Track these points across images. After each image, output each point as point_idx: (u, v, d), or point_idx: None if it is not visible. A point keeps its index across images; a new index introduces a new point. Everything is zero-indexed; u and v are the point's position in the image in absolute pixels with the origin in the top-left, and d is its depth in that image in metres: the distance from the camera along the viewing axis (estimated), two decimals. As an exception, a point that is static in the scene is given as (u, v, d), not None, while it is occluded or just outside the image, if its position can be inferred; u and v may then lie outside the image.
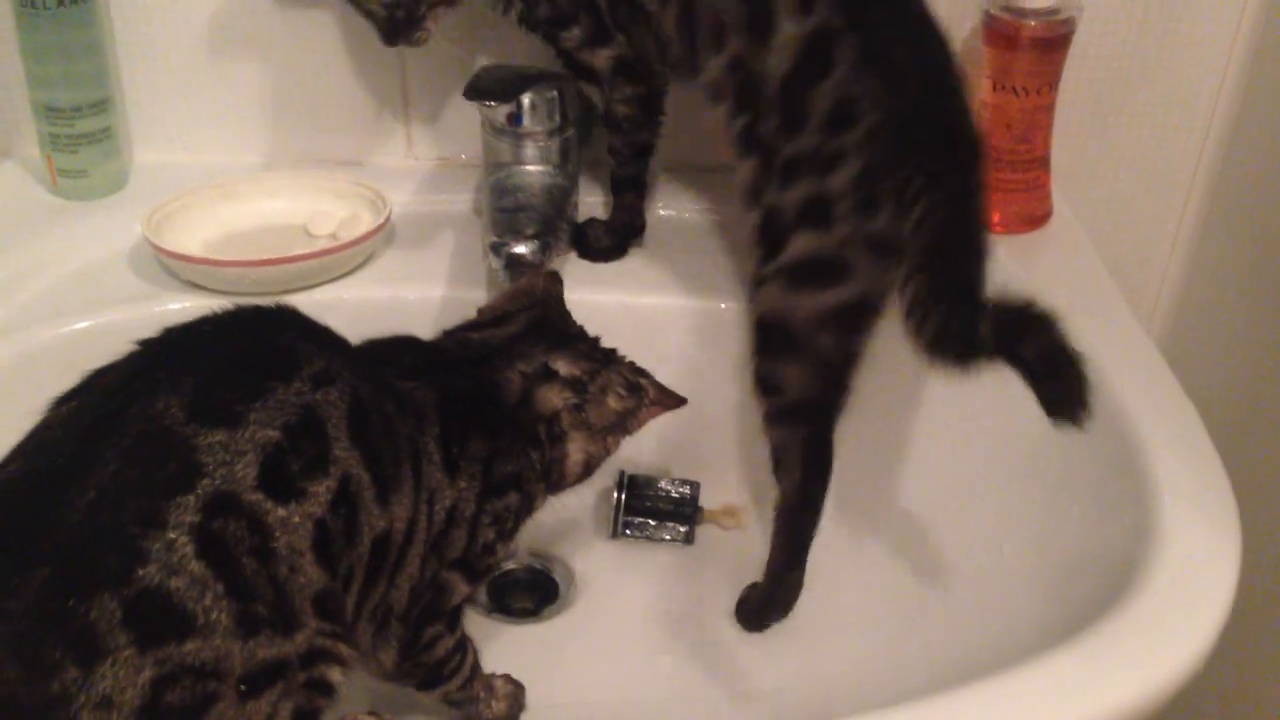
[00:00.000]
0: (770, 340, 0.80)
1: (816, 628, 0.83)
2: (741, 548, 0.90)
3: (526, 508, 0.73)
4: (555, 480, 0.74)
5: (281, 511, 0.55)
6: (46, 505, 0.52)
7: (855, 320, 0.78)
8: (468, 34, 0.99)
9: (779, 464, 0.81)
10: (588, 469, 0.75)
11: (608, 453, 0.76)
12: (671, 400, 0.77)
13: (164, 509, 0.52)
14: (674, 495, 0.92)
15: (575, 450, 0.74)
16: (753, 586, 0.85)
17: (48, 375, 0.83)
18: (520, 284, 0.79)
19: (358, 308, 0.90)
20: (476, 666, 0.73)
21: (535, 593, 0.88)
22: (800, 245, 0.77)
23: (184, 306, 0.89)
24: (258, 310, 0.63)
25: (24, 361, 0.85)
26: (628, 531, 0.91)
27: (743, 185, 0.80)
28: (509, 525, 0.71)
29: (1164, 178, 1.07)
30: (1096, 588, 0.70)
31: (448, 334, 0.76)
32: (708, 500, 0.92)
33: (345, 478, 0.58)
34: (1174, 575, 0.68)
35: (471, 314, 0.79)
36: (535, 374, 0.72)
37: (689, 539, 0.91)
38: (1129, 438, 0.78)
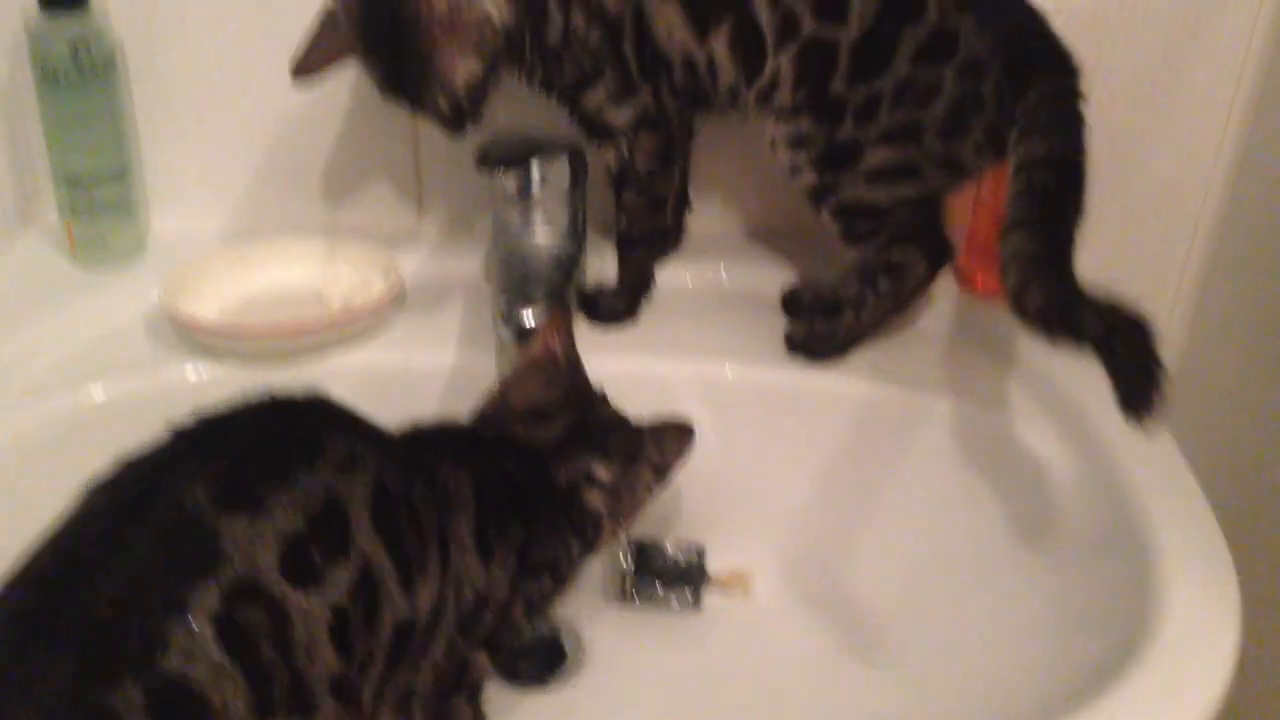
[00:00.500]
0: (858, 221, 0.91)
1: (818, 698, 0.83)
2: (749, 613, 0.91)
3: (558, 589, 0.75)
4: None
5: (301, 598, 0.56)
6: (75, 591, 0.53)
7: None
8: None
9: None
10: (614, 537, 0.79)
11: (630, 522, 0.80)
12: (686, 445, 0.79)
13: (186, 596, 0.53)
14: (681, 562, 0.93)
15: (607, 533, 0.78)
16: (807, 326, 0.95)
17: (67, 441, 0.85)
18: (538, 354, 0.80)
19: (369, 374, 0.91)
20: (487, 737, 0.74)
21: (543, 659, 0.88)
22: (878, 156, 0.86)
23: (200, 375, 0.91)
24: (288, 397, 0.65)
25: (43, 427, 0.86)
26: (635, 597, 0.92)
27: (795, 139, 0.88)
28: (539, 606, 0.74)
29: (1163, 240, 1.07)
30: (1099, 657, 0.70)
31: (484, 420, 0.77)
32: (714, 565, 0.93)
33: (366, 564, 0.59)
34: (1175, 643, 0.68)
35: (482, 379, 0.80)
36: (580, 477, 0.76)
37: (696, 604, 0.92)
38: (1130, 510, 0.78)
